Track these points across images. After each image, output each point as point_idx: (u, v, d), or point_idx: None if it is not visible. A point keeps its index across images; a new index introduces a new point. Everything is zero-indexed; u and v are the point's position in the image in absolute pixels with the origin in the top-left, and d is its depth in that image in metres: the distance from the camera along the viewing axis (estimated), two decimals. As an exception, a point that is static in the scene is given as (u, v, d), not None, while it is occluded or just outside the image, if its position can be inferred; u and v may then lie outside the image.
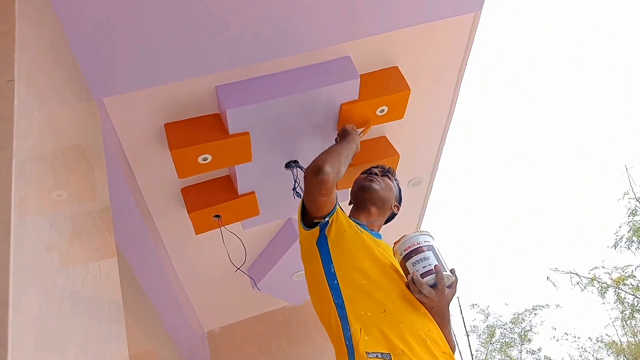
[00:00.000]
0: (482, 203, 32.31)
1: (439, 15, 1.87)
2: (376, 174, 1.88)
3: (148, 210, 2.28)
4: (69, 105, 1.35)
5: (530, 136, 32.55)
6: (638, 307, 14.35)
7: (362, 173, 1.93)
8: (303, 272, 1.71)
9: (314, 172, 1.58)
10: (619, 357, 15.82)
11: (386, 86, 2.05)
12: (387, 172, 1.92)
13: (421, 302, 1.49)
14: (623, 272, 14.26)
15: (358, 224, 1.70)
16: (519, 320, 18.09)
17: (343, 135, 1.97)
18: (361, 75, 1.97)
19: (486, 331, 18.55)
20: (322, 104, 2.00)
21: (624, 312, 14.98)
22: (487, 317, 18.76)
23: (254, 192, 2.32)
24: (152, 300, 2.73)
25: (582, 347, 16.89)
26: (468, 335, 16.16)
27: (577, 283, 14.92)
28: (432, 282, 1.48)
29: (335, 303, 1.48)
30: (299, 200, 2.22)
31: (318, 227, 1.62)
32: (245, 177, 2.22)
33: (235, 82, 1.87)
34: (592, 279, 14.67)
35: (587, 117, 31.66)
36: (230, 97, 1.86)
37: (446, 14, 1.88)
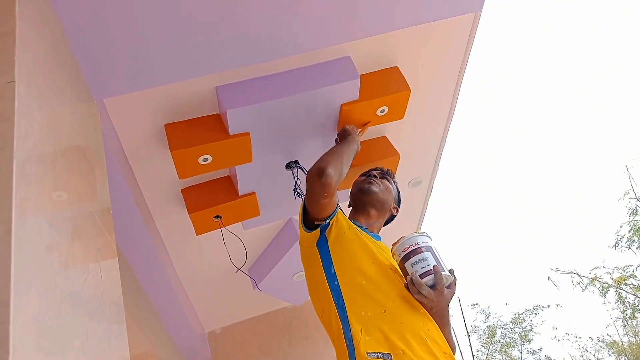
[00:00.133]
0: (483, 203, 32.33)
1: (439, 15, 1.86)
2: (375, 176, 1.88)
3: (149, 211, 2.28)
4: (69, 106, 1.35)
5: (530, 136, 32.58)
6: (639, 307, 14.35)
7: (361, 175, 1.93)
8: (303, 272, 1.71)
9: (317, 175, 1.57)
10: (620, 357, 15.81)
11: (386, 86, 2.05)
12: (386, 175, 1.92)
13: (420, 303, 1.49)
14: (624, 272, 14.26)
15: (358, 225, 1.70)
16: (520, 321, 18.08)
17: (343, 136, 1.97)
18: (361, 76, 1.97)
19: (487, 331, 18.54)
20: (323, 104, 2.00)
21: (625, 312, 14.97)
22: (487, 317, 18.76)
23: (254, 193, 2.32)
24: (153, 301, 2.73)
25: (583, 347, 16.88)
26: (469, 336, 16.17)
27: (578, 283, 14.92)
28: (431, 282, 1.48)
29: (335, 304, 1.49)
30: (299, 201, 2.22)
31: (319, 229, 1.62)
32: (246, 178, 2.22)
33: (236, 83, 1.87)
34: (593, 279, 14.66)
35: (587, 117, 31.69)
36: (230, 98, 1.86)
37: (446, 14, 1.88)
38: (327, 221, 1.62)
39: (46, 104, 1.15)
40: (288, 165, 2.24)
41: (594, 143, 30.39)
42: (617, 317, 15.82)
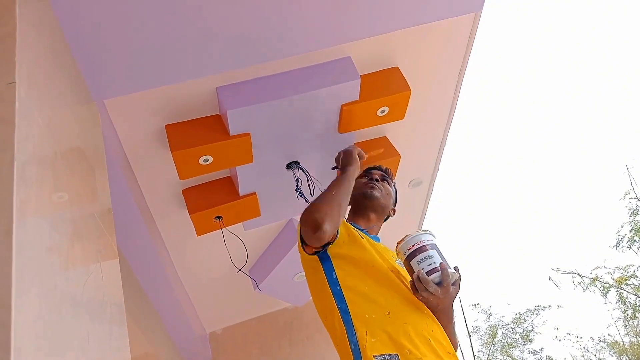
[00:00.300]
0: (483, 203, 32.31)
1: (439, 15, 1.86)
2: (377, 180, 1.84)
3: (149, 212, 2.28)
4: (69, 107, 1.35)
5: (530, 136, 32.56)
6: (640, 307, 14.33)
7: (362, 175, 1.88)
8: (304, 273, 1.71)
9: (312, 229, 1.49)
10: (621, 357, 15.79)
11: (387, 87, 2.05)
12: (386, 176, 1.90)
13: (426, 301, 1.49)
14: (625, 272, 14.24)
15: (358, 228, 1.70)
16: (521, 321, 18.06)
17: (345, 162, 1.81)
18: (362, 76, 1.97)
19: (488, 331, 18.52)
20: (323, 105, 2.00)
21: (626, 312, 14.95)
22: (489, 318, 18.75)
23: (255, 193, 2.32)
24: (154, 302, 2.73)
25: (584, 348, 16.86)
26: (470, 336, 16.15)
27: (579, 283, 14.89)
28: (437, 279, 1.48)
29: (339, 308, 1.49)
30: (300, 201, 2.22)
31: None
32: (247, 178, 2.22)
33: (236, 83, 1.87)
34: (594, 279, 14.64)
35: (587, 117, 31.67)
36: (231, 98, 1.86)
37: (446, 14, 1.88)
38: (327, 247, 1.60)
39: (47, 106, 1.15)
40: (289, 166, 2.24)
41: (594, 143, 30.40)
42: (618, 317, 15.81)
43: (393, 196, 1.89)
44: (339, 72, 1.93)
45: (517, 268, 28.73)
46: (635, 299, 14.31)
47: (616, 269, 14.39)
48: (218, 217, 2.30)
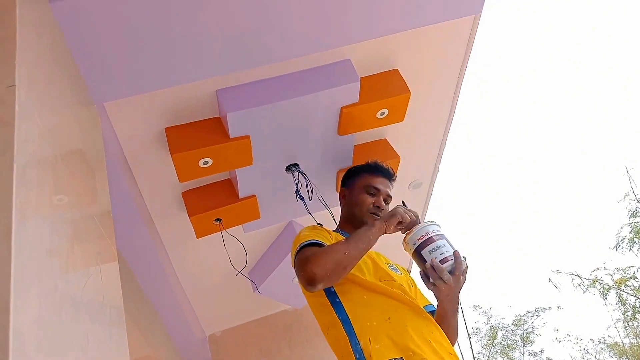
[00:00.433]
0: (483, 203, 32.32)
1: (438, 18, 1.87)
2: (384, 207, 1.76)
3: (149, 214, 2.28)
4: (69, 110, 1.35)
5: (530, 137, 32.56)
6: (640, 309, 14.33)
7: (370, 191, 1.78)
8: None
9: (307, 281, 1.46)
10: (621, 359, 15.78)
11: (386, 89, 2.05)
12: (389, 198, 1.81)
13: (437, 290, 1.51)
14: (625, 273, 14.24)
15: (345, 235, 1.68)
16: (521, 322, 18.05)
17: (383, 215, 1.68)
18: (361, 78, 1.98)
19: (488, 333, 18.51)
20: (323, 107, 2.00)
21: (626, 314, 14.95)
22: (489, 319, 18.73)
23: (254, 196, 2.32)
24: (153, 304, 2.73)
25: (584, 349, 16.86)
26: (470, 337, 16.13)
27: (579, 285, 14.89)
28: (449, 268, 1.51)
29: (340, 319, 1.51)
30: (300, 204, 2.22)
31: None
32: (246, 181, 2.22)
33: (236, 86, 1.88)
34: (594, 281, 14.64)
35: (587, 117, 31.71)
36: (230, 101, 1.86)
37: (446, 17, 1.88)
38: None
39: (47, 108, 1.15)
40: (288, 168, 2.24)
41: (594, 144, 30.41)
42: (618, 319, 15.81)
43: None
44: (338, 75, 1.94)
45: (517, 269, 28.75)
46: (635, 300, 14.30)
47: (616, 271, 14.40)
48: (218, 220, 2.30)
